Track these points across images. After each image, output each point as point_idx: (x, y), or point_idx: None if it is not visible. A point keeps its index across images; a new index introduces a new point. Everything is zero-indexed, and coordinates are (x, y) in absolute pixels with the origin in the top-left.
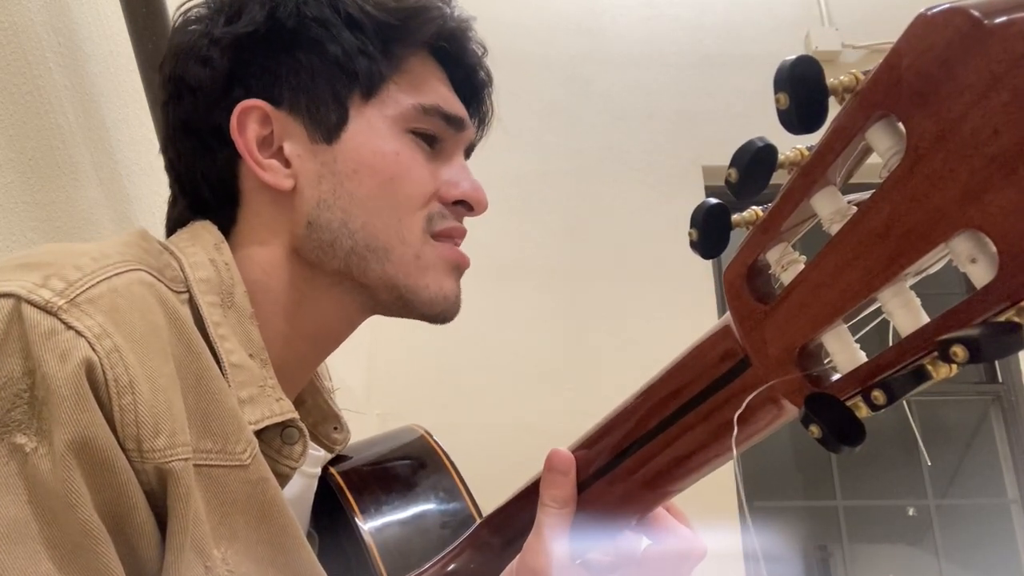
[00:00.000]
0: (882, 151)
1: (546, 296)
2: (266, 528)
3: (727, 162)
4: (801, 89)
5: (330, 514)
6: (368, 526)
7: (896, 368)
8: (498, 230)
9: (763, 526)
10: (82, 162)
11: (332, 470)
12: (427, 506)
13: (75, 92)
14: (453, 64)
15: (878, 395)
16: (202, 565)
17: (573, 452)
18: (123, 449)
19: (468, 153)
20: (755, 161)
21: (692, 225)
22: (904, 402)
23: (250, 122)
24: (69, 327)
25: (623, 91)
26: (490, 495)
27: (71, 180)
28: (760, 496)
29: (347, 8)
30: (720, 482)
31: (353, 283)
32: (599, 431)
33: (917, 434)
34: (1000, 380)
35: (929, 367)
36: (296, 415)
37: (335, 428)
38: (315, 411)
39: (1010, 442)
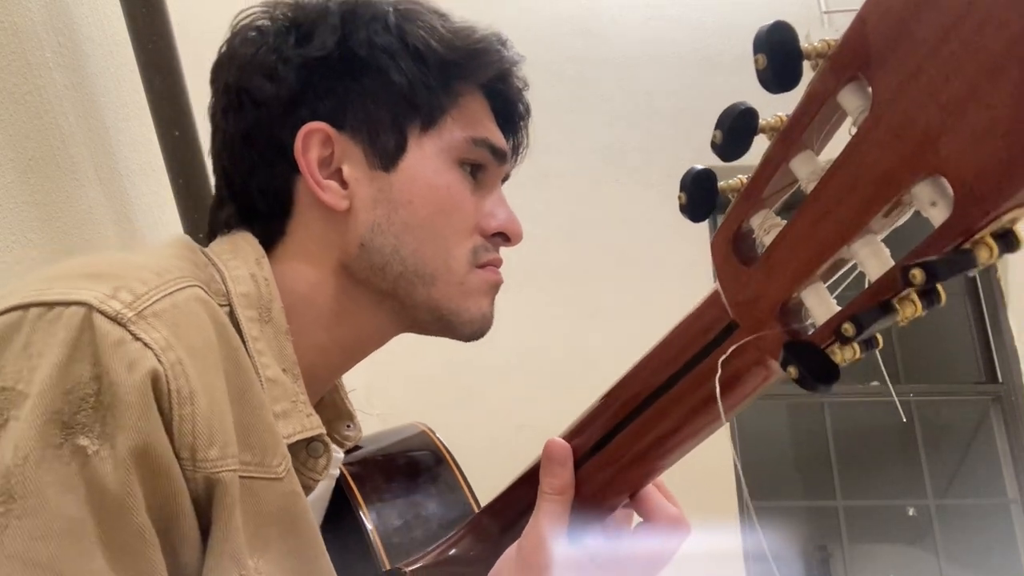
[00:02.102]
0: (852, 111)
1: (546, 296)
2: (294, 539)
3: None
4: (777, 51)
5: (333, 503)
6: (371, 515)
7: (867, 308)
8: None
9: (763, 526)
10: (82, 162)
11: (340, 465)
12: (429, 497)
13: (75, 92)
14: (499, 99)
15: (847, 327)
16: (237, 573)
17: (568, 439)
18: (177, 457)
19: (504, 182)
20: (737, 123)
21: (681, 189)
22: (900, 403)
23: (313, 143)
24: (137, 338)
25: (623, 91)
26: (490, 493)
27: (71, 180)
28: (760, 496)
29: (414, 41)
30: (720, 482)
31: (397, 303)
32: (592, 412)
33: (917, 434)
34: (1000, 380)
35: (896, 303)
36: (324, 430)
37: (348, 426)
38: (331, 408)
39: (1010, 442)
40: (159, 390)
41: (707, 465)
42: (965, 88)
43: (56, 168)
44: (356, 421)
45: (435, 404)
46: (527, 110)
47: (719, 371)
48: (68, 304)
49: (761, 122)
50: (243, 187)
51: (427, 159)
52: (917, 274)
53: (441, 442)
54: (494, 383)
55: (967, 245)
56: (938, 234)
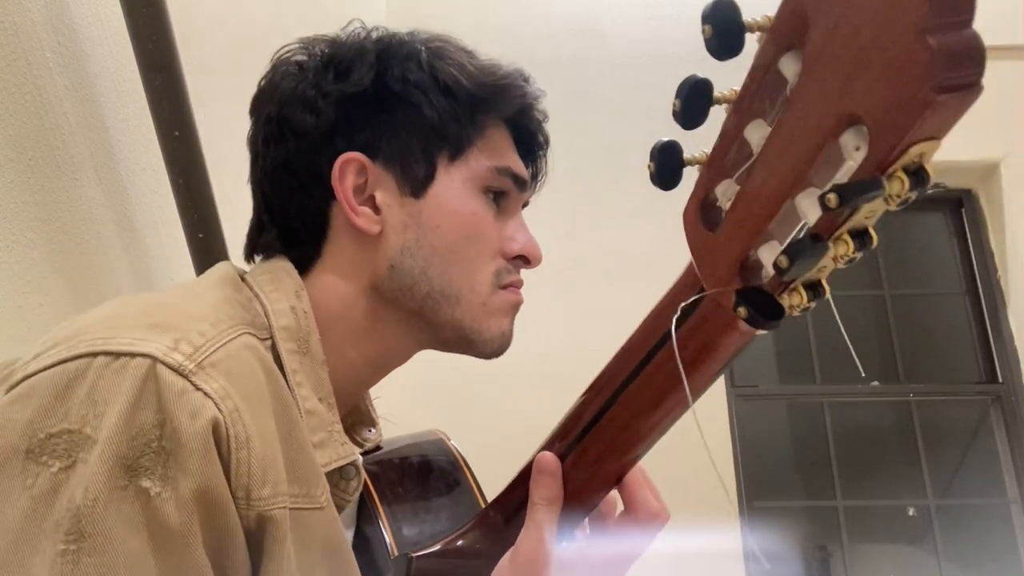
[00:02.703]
0: (790, 76)
1: (546, 296)
2: (335, 563)
3: None
4: (721, 21)
5: None
6: (383, 507)
7: (800, 242)
8: None
9: (763, 526)
10: (82, 162)
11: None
12: (441, 496)
13: (75, 92)
14: (521, 130)
15: (781, 259)
16: None
17: (553, 442)
18: (233, 497)
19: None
20: (693, 92)
21: (651, 159)
22: (899, 403)
23: (349, 172)
24: (198, 388)
25: (623, 91)
26: (491, 494)
27: (71, 180)
28: (760, 496)
29: (444, 78)
30: (720, 482)
31: (423, 322)
32: (571, 412)
33: (917, 433)
34: (1000, 380)
35: (829, 242)
36: (357, 456)
37: (369, 430)
38: (355, 413)
39: (1010, 442)
40: (219, 436)
41: (707, 465)
42: (869, 37)
43: (56, 168)
44: (379, 427)
45: (436, 405)
46: (546, 140)
47: (677, 312)
48: (133, 355)
49: (718, 94)
50: (282, 211)
51: (454, 187)
52: (831, 197)
53: (456, 448)
54: (494, 384)
55: (883, 178)
56: (859, 171)
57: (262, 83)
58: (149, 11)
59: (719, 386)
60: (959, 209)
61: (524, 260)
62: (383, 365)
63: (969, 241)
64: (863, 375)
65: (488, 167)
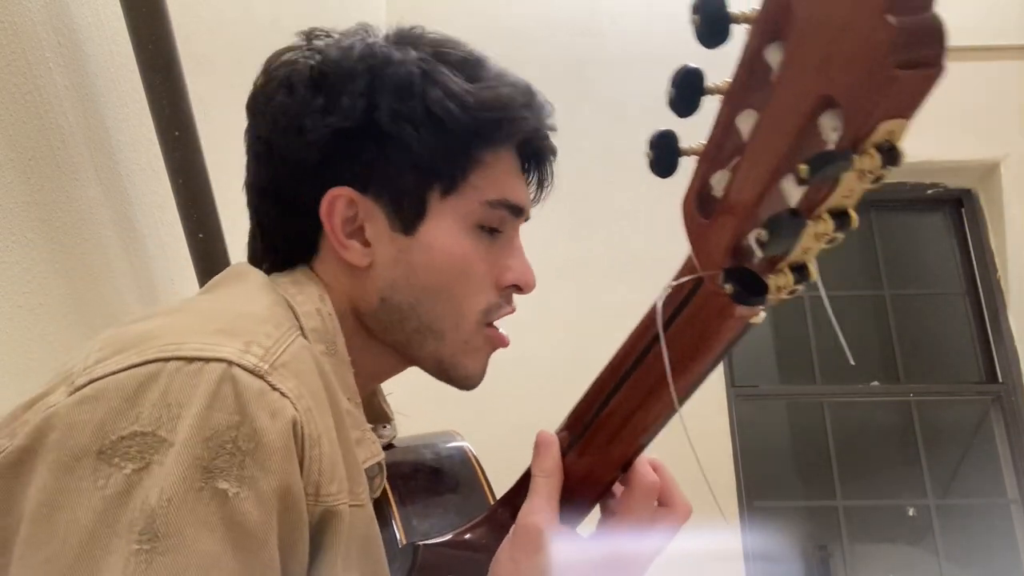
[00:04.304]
0: (775, 65)
1: (546, 295)
2: (370, 560)
3: None
4: (709, 11)
5: None
6: (394, 497)
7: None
8: None
9: (763, 526)
10: (82, 162)
11: None
12: (452, 492)
13: (75, 92)
14: (526, 150)
15: (761, 233)
16: None
17: (561, 430)
18: (304, 493)
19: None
20: (686, 80)
21: (649, 147)
22: (899, 403)
23: (338, 207)
24: (275, 388)
25: (623, 91)
26: (496, 489)
27: (71, 180)
28: (760, 496)
29: (436, 110)
30: (720, 482)
31: (406, 351)
32: (578, 403)
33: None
34: (1000, 380)
35: (808, 219)
36: (383, 455)
37: (384, 426)
38: (368, 409)
39: (1010, 442)
40: (297, 435)
41: (707, 465)
42: (841, 21)
43: (56, 168)
44: (393, 423)
45: (436, 404)
46: (553, 151)
47: (668, 289)
48: (208, 360)
49: (710, 85)
50: (271, 231)
51: (446, 225)
52: (802, 167)
53: (470, 449)
54: (495, 383)
55: (852, 152)
56: (835, 147)
57: (257, 84)
58: (149, 11)
59: (719, 386)
60: (959, 209)
61: (517, 289)
62: (371, 378)
63: (969, 241)
64: (852, 363)
65: (483, 202)
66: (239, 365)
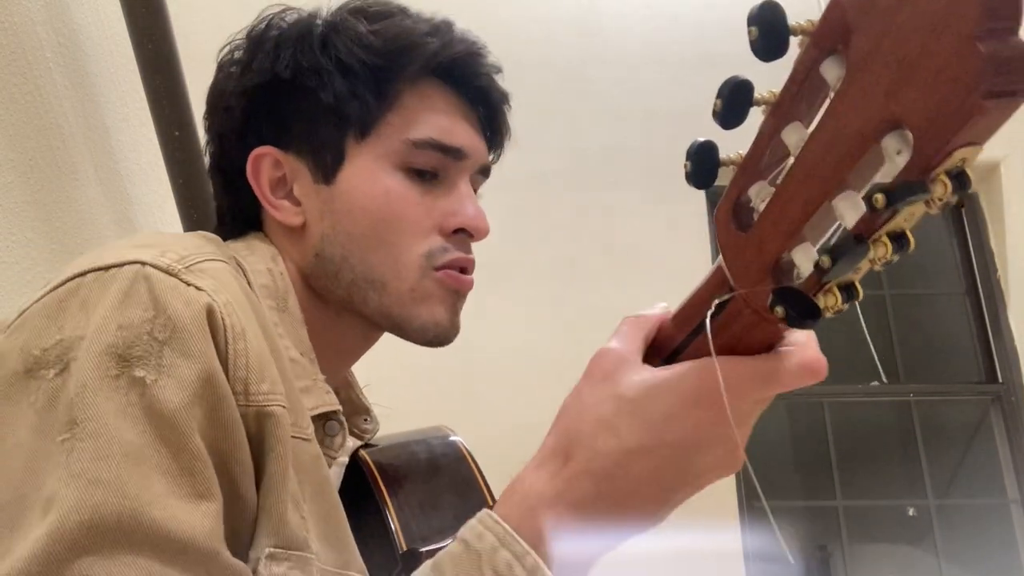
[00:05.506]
0: (832, 80)
1: (546, 296)
2: (322, 502)
3: None
4: (767, 24)
5: (354, 492)
6: (391, 500)
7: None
8: (498, 230)
9: (763, 526)
10: (82, 162)
11: (362, 453)
12: (448, 492)
13: (75, 92)
14: (463, 88)
15: (824, 259)
16: (299, 515)
17: None
18: (232, 392)
19: (486, 173)
20: (734, 92)
21: (687, 158)
22: (899, 403)
23: (263, 167)
24: (189, 284)
25: (623, 91)
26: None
27: (71, 180)
28: (760, 496)
29: (338, 54)
30: (720, 482)
31: (354, 311)
32: None
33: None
34: (1000, 380)
35: (869, 242)
36: (340, 408)
37: (365, 419)
38: (347, 404)
39: (1010, 442)
40: (214, 324)
41: None
42: (917, 46)
43: (56, 168)
44: (373, 415)
45: (430, 402)
46: (502, 96)
47: (712, 308)
48: (122, 264)
49: (757, 96)
50: (221, 206)
51: (363, 168)
52: (879, 198)
53: (464, 445)
54: (493, 383)
55: (927, 181)
56: (902, 174)
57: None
58: (149, 11)
59: None
60: (959, 209)
61: (467, 234)
62: (344, 352)
63: (969, 241)
64: (884, 380)
65: (404, 141)
66: (152, 265)
